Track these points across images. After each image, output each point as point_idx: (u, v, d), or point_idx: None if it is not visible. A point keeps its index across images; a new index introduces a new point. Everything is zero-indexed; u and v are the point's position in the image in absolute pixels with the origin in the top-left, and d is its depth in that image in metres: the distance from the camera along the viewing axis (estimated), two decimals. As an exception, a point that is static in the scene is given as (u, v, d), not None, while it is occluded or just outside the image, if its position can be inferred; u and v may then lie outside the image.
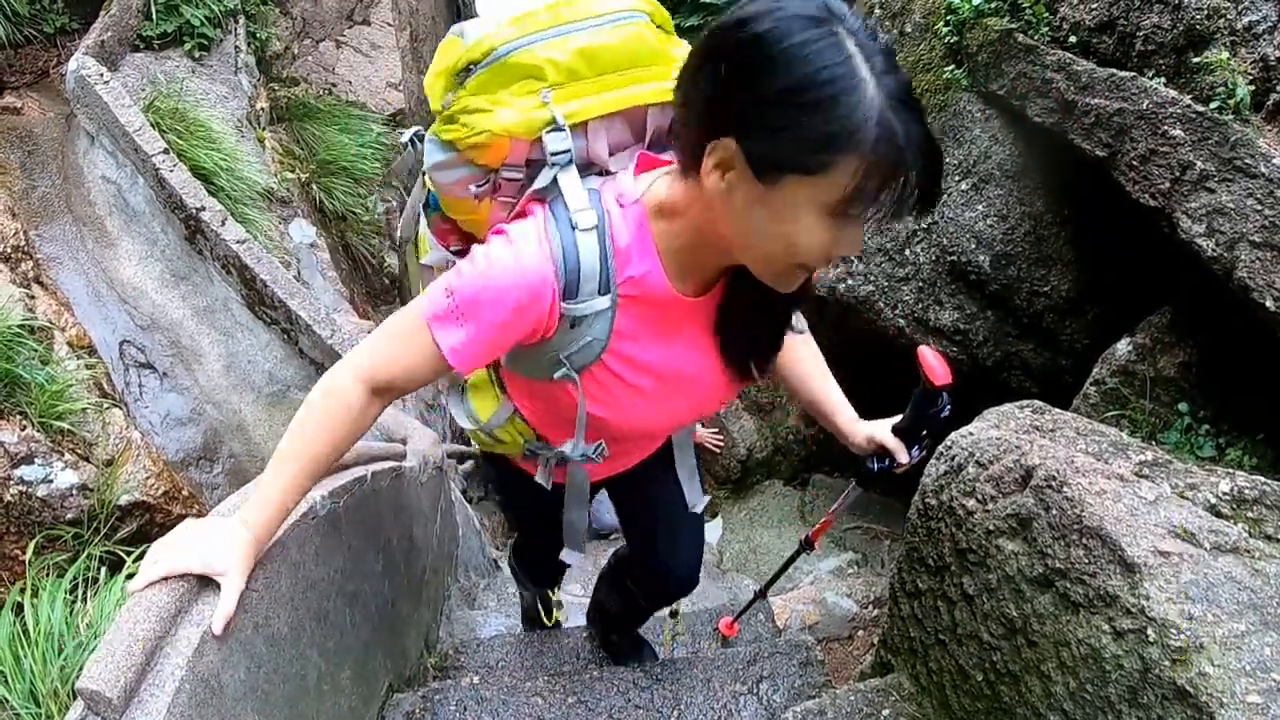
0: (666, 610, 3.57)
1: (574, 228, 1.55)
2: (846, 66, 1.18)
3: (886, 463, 2.31)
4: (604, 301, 1.59)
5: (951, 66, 4.39)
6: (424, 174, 1.89)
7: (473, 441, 2.52)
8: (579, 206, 1.56)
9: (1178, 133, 3.13)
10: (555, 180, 1.59)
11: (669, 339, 1.75)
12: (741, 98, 1.26)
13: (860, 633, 3.83)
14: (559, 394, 1.81)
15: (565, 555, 2.51)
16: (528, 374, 1.83)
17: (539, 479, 2.29)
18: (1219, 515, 1.81)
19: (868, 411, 2.31)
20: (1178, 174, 3.13)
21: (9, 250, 4.61)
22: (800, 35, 1.19)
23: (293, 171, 6.93)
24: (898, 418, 2.26)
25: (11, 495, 3.59)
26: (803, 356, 2.29)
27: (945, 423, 2.19)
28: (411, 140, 1.93)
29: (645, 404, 1.84)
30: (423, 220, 2.04)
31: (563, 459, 2.14)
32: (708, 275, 1.67)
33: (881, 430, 2.29)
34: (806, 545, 3.05)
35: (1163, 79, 3.27)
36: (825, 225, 1.30)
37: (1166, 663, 1.53)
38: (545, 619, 3.98)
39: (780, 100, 1.22)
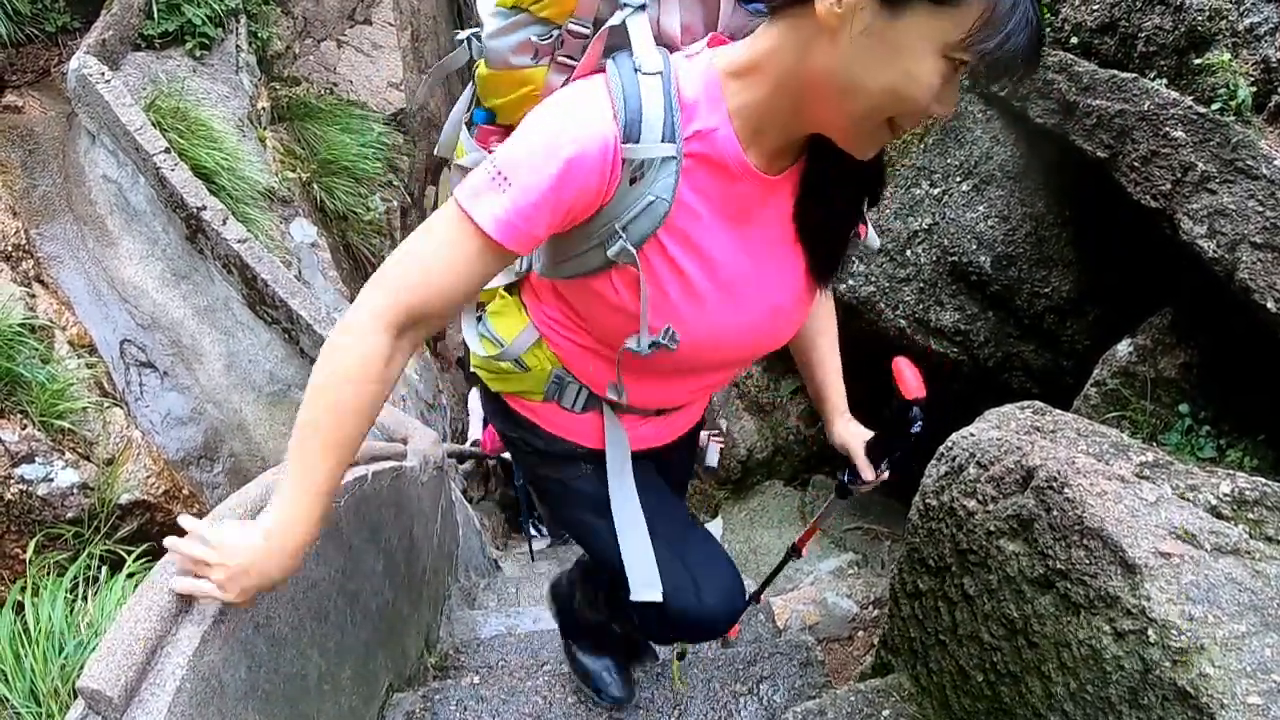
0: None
1: (637, 70, 1.44)
2: None
3: (856, 480, 2.22)
4: (668, 149, 1.43)
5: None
6: (474, 77, 1.81)
7: (472, 389, 2.32)
8: (645, 51, 1.46)
9: (1179, 134, 3.13)
10: (624, 25, 1.49)
11: (736, 226, 1.58)
12: None
13: (860, 633, 3.83)
14: (607, 292, 1.62)
15: (640, 592, 1.93)
16: (573, 270, 1.64)
17: (566, 436, 2.05)
18: (1220, 516, 1.81)
19: (869, 415, 2.26)
20: (1179, 175, 3.13)
21: (10, 249, 4.61)
22: None
23: (294, 171, 6.94)
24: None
25: (12, 494, 3.59)
26: (820, 317, 2.17)
27: (916, 440, 2.05)
28: (468, 39, 1.80)
29: (704, 315, 1.63)
30: (464, 133, 1.89)
31: (591, 399, 1.97)
32: (780, 145, 1.52)
33: (855, 440, 2.20)
34: (794, 553, 2.93)
35: (1164, 80, 3.27)
36: (938, 69, 1.27)
37: (1167, 664, 1.53)
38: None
39: None
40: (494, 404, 2.19)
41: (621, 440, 2.01)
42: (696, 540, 2.17)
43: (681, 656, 3.12)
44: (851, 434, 2.22)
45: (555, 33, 1.59)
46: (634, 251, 1.49)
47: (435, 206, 9.83)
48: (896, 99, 1.31)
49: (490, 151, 1.76)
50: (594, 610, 2.79)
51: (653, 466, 2.18)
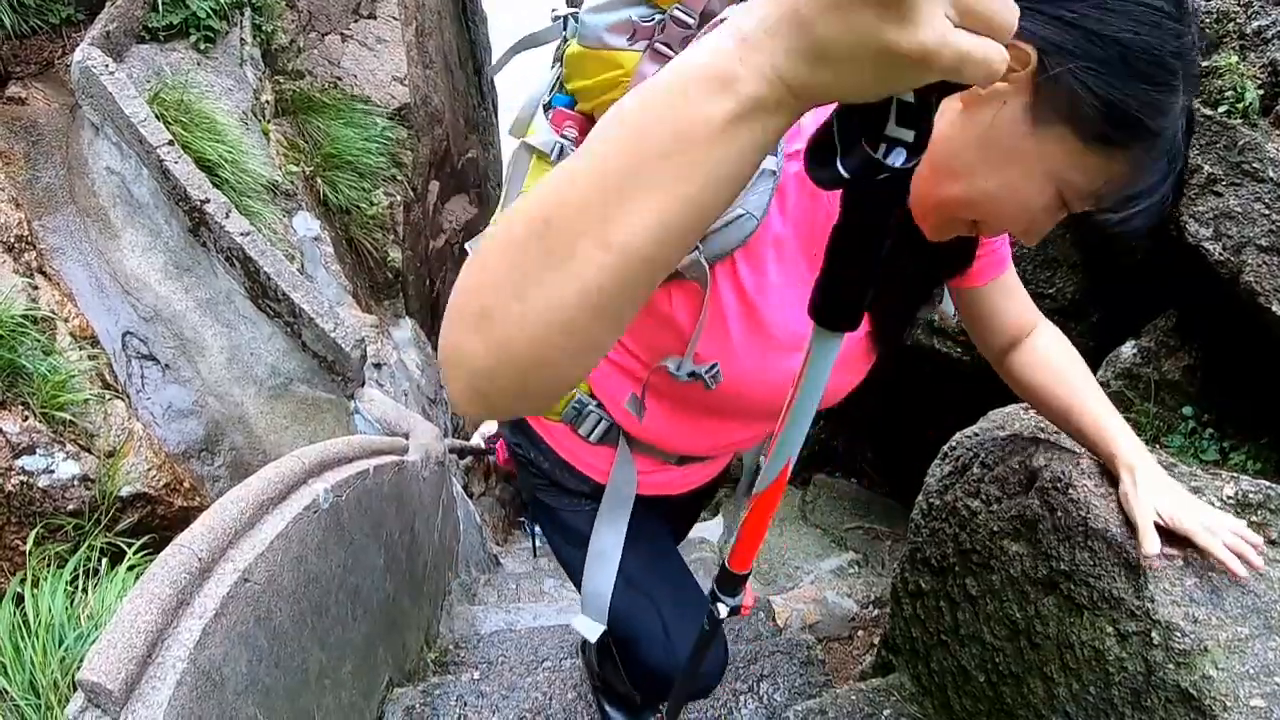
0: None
1: None
2: (1181, 63, 1.07)
3: None
4: (770, 162, 1.27)
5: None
6: (560, 59, 1.67)
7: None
8: None
9: (1185, 136, 3.13)
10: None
11: (814, 268, 1.21)
12: (1074, 13, 1.04)
13: (860, 633, 3.83)
14: (661, 303, 1.43)
15: (577, 622, 1.92)
16: None
17: (575, 465, 1.92)
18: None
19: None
20: (1185, 177, 3.13)
21: (13, 240, 4.61)
22: (1162, 4, 1.04)
23: (297, 165, 6.93)
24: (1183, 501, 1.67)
25: (13, 485, 3.59)
26: (1043, 347, 1.80)
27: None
28: (564, 19, 1.67)
29: (763, 356, 1.45)
30: (539, 114, 1.73)
31: (609, 432, 1.81)
32: None
33: (1187, 511, 1.66)
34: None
35: (1171, 82, 3.27)
36: (1046, 197, 1.16)
37: (1170, 666, 1.53)
38: None
39: (1116, 50, 1.04)
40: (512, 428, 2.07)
41: (628, 479, 1.88)
42: (681, 600, 2.07)
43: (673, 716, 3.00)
44: (1178, 503, 1.68)
45: (659, 17, 1.46)
46: (707, 266, 1.33)
47: (439, 201, 9.82)
48: (989, 204, 1.20)
49: (563, 135, 1.66)
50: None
51: (657, 515, 2.07)
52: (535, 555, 7.54)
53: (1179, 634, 1.53)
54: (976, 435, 2.23)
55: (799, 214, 1.35)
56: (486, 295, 0.78)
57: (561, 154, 1.64)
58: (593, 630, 1.87)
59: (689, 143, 0.68)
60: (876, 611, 3.94)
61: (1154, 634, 1.57)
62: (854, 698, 2.54)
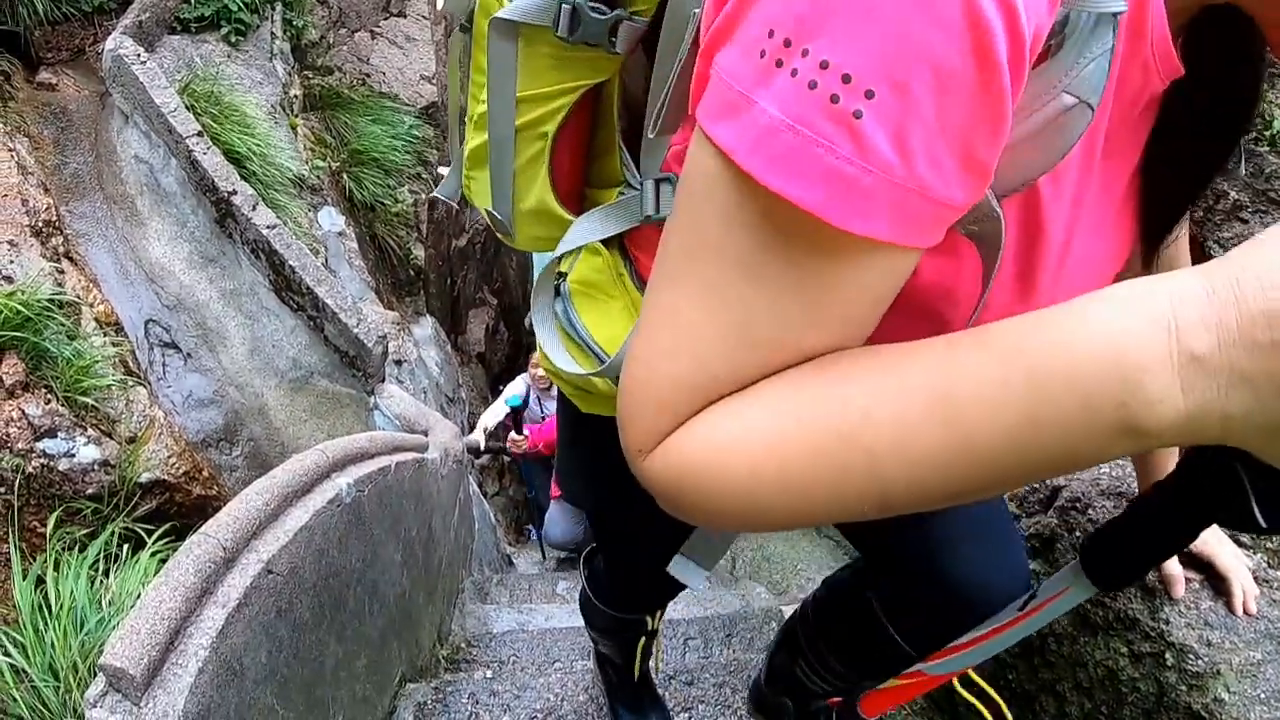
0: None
1: None
2: None
3: None
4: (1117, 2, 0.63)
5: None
6: None
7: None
8: None
9: (1212, 160, 3.13)
10: None
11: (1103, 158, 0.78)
12: None
13: (870, 644, 3.83)
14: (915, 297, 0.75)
15: (677, 568, 1.34)
16: None
17: None
18: (1239, 545, 1.82)
19: None
20: (1210, 203, 3.13)
21: (40, 224, 4.64)
22: None
23: (324, 160, 6.97)
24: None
25: (33, 467, 3.61)
26: None
27: None
28: None
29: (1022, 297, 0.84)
30: None
31: None
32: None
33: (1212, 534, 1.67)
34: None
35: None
36: None
37: (1183, 687, 1.54)
38: (633, 666, 2.70)
39: None
40: (580, 430, 1.50)
41: None
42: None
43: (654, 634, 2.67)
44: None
45: None
46: (998, 207, 0.69)
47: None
48: None
49: None
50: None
51: None
52: (545, 558, 7.54)
53: (1192, 656, 1.54)
54: (995, 452, 2.24)
55: (1122, 87, 0.73)
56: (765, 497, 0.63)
57: (575, 20, 1.03)
58: (699, 581, 1.35)
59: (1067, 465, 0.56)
60: (887, 624, 3.94)
61: (1168, 655, 1.58)
62: (863, 709, 2.55)
